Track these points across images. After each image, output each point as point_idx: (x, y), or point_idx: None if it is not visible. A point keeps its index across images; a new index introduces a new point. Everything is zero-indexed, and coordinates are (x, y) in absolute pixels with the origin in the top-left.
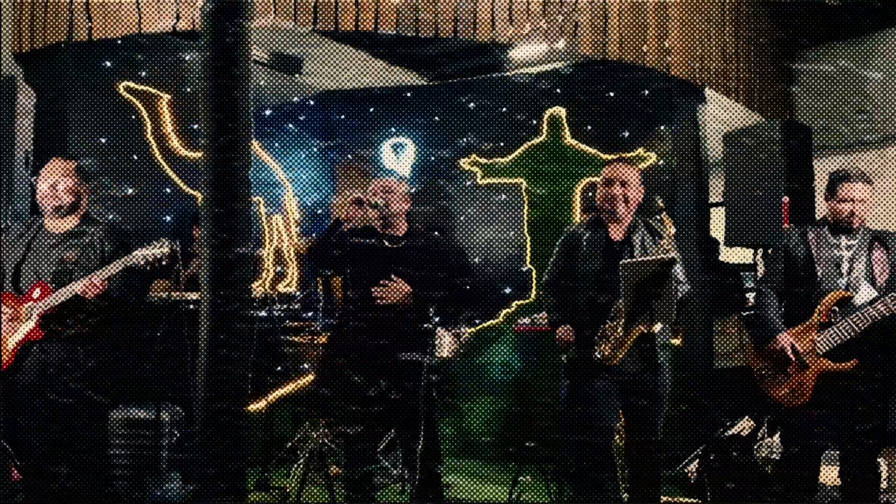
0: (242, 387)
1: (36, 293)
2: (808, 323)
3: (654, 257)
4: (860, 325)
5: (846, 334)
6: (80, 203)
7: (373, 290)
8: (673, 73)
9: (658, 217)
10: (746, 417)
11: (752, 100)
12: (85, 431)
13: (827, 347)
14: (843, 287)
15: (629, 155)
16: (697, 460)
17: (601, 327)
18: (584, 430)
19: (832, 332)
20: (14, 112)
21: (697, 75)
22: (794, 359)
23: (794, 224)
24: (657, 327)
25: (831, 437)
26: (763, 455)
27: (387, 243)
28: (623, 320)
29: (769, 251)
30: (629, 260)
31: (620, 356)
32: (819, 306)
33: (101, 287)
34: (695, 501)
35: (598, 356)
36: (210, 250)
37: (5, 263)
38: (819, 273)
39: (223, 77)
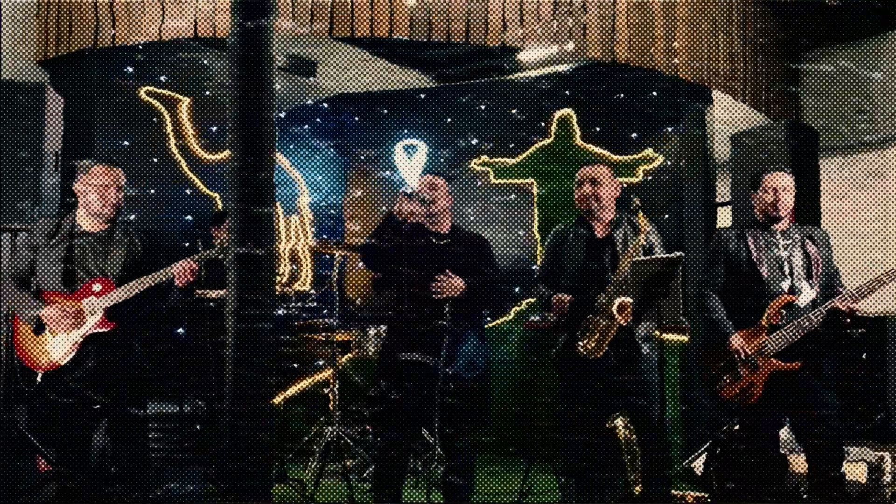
0: (267, 384)
1: (96, 287)
2: (757, 325)
3: (661, 256)
4: (807, 327)
5: (794, 336)
6: (119, 208)
7: (431, 285)
8: (680, 75)
9: (635, 215)
10: None
11: (759, 101)
12: (130, 427)
13: (776, 349)
14: (788, 286)
15: (638, 156)
16: (704, 455)
17: (584, 322)
18: (578, 426)
19: (781, 334)
20: (43, 116)
21: (705, 77)
22: (744, 360)
23: (730, 227)
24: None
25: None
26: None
27: (434, 240)
28: (606, 314)
29: (708, 254)
30: (639, 258)
31: (603, 349)
32: (768, 309)
33: (192, 275)
34: (702, 495)
35: (581, 349)
36: (236, 252)
37: (41, 262)
38: (764, 274)
39: (248, 80)
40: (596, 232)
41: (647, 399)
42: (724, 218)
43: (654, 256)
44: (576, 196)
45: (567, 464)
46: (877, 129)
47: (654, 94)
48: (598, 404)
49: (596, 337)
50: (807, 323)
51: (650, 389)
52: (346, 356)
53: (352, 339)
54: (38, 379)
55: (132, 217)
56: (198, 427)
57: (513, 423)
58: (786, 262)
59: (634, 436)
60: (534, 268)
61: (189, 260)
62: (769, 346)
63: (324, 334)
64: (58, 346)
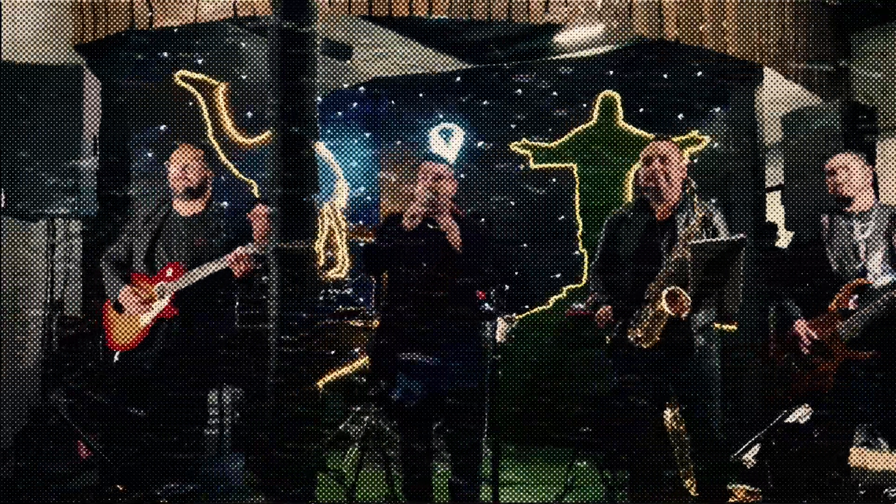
0: (305, 373)
1: (169, 272)
2: (827, 311)
3: (723, 238)
4: (885, 309)
5: (870, 318)
6: (207, 188)
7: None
8: (730, 52)
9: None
10: (805, 405)
11: (811, 80)
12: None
13: (851, 334)
14: (861, 272)
15: (684, 137)
16: (756, 447)
17: (636, 310)
18: (629, 416)
19: (855, 318)
20: (81, 99)
21: (755, 54)
22: (809, 347)
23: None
24: (686, 313)
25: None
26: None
27: (430, 226)
28: (655, 303)
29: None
30: (699, 241)
31: (655, 339)
32: (837, 294)
33: (248, 265)
34: (754, 490)
35: (632, 339)
36: (278, 239)
37: (135, 244)
38: (834, 258)
39: (290, 62)
40: (656, 215)
41: (700, 392)
42: (773, 203)
43: (714, 240)
44: (641, 174)
45: (612, 456)
46: None
47: (701, 73)
48: (649, 396)
49: (644, 326)
50: (884, 306)
51: (705, 382)
52: None
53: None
54: (115, 358)
55: (224, 204)
56: (237, 415)
57: (554, 414)
58: (862, 245)
59: (683, 426)
60: (575, 253)
61: (241, 249)
62: (842, 331)
63: (361, 321)
64: (131, 329)
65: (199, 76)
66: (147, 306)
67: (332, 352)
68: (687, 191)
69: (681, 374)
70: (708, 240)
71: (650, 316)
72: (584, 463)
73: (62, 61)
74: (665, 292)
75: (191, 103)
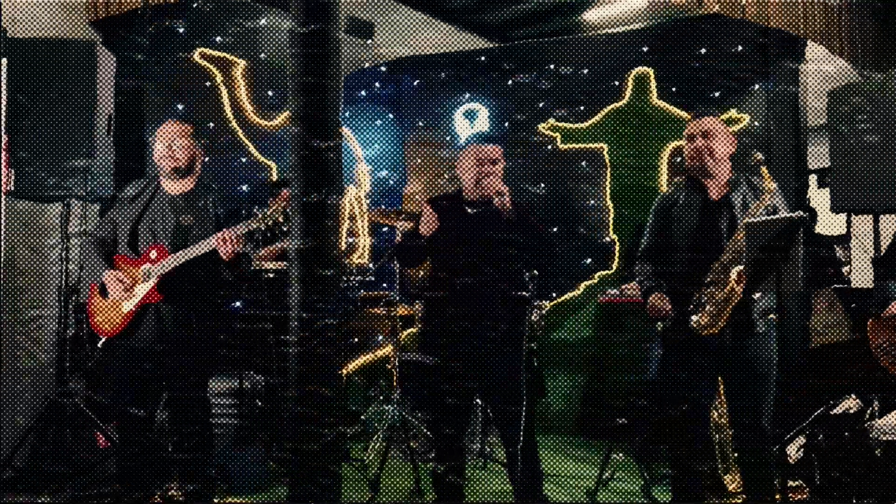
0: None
1: (153, 254)
2: None
3: (781, 216)
4: None
5: None
6: (195, 166)
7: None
8: (772, 24)
9: (757, 172)
10: (852, 396)
11: (856, 55)
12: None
13: None
14: None
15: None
16: (800, 440)
17: (697, 294)
18: (677, 403)
19: None
20: (95, 76)
21: (799, 27)
22: None
23: None
24: (757, 294)
25: None
26: (875, 437)
27: (468, 209)
28: (723, 285)
29: None
30: (753, 219)
31: (721, 325)
32: None
33: (235, 246)
34: (798, 484)
35: (695, 325)
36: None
37: (119, 224)
38: None
39: (313, 42)
40: (710, 194)
41: (757, 382)
42: (813, 186)
43: (771, 217)
44: (686, 152)
45: (650, 448)
46: None
47: (740, 48)
48: (703, 387)
49: (712, 311)
50: None
51: (761, 370)
52: (407, 331)
53: (415, 314)
54: (99, 344)
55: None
56: (258, 403)
57: (592, 401)
58: None
59: (725, 419)
60: (606, 239)
61: (227, 230)
62: None
63: (384, 308)
64: (114, 314)
65: (219, 53)
66: (130, 291)
67: (355, 339)
68: (752, 163)
69: (740, 357)
70: (764, 217)
71: (718, 299)
72: (621, 455)
73: (76, 37)
74: (734, 271)
75: (208, 83)
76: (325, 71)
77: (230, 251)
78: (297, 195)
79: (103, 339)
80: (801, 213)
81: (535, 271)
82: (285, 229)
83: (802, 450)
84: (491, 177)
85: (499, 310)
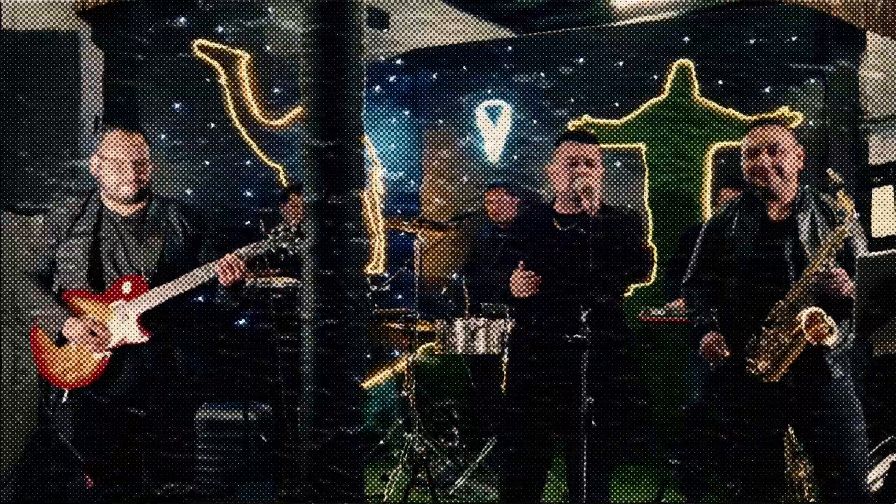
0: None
1: (126, 287)
2: None
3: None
4: None
5: None
6: (148, 180)
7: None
8: (833, 13)
9: (832, 194)
10: None
11: None
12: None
13: None
14: None
15: (772, 115)
16: (884, 466)
17: (754, 335)
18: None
19: None
20: (78, 72)
21: (860, 15)
22: None
23: None
24: (832, 339)
25: None
26: None
27: (558, 225)
28: (789, 328)
29: None
30: (868, 254)
31: (782, 372)
32: None
33: (240, 272)
34: None
35: (752, 371)
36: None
37: (64, 255)
38: None
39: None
40: (770, 214)
41: (837, 437)
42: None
43: (890, 252)
44: (746, 167)
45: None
46: None
47: (794, 38)
48: (767, 436)
49: (772, 356)
50: None
51: (842, 424)
52: (422, 346)
53: (436, 332)
54: (65, 398)
55: (188, 192)
56: (263, 438)
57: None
58: None
59: (804, 472)
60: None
61: (234, 255)
62: None
63: (403, 324)
64: (85, 361)
65: (220, 46)
66: (105, 338)
67: (368, 355)
68: (830, 185)
69: (814, 408)
70: (883, 252)
71: (782, 343)
72: (674, 494)
73: (59, 28)
74: (805, 314)
75: (208, 79)
76: (344, 72)
77: (236, 277)
78: (315, 198)
79: (67, 392)
80: None
81: (590, 308)
82: (293, 252)
83: (883, 480)
84: (585, 180)
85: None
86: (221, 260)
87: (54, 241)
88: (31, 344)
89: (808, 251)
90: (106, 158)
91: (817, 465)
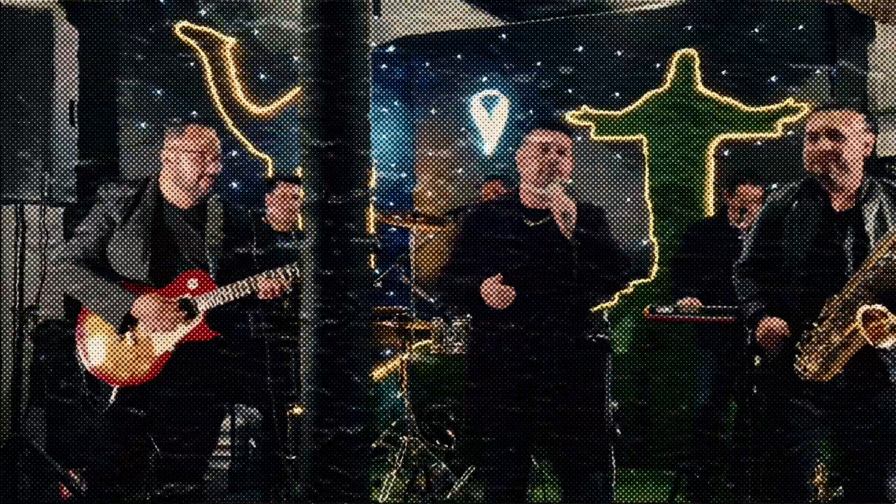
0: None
1: (192, 284)
2: None
3: None
4: None
5: None
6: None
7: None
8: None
9: None
10: None
11: None
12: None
13: None
14: None
15: (778, 106)
16: None
17: (806, 332)
18: (772, 458)
19: None
20: (51, 54)
21: (868, 5)
22: None
23: None
24: (892, 339)
25: None
26: None
27: (527, 221)
28: (843, 325)
29: None
30: None
31: (834, 372)
32: None
33: (284, 288)
34: None
35: (800, 370)
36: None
37: (119, 244)
38: None
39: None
40: (833, 203)
41: (878, 436)
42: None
43: None
44: (806, 153)
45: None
46: None
47: (802, 27)
48: (806, 436)
49: (823, 355)
50: None
51: (891, 424)
52: (416, 344)
53: (432, 330)
54: (113, 398)
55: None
56: (252, 444)
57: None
58: None
59: (823, 478)
60: (644, 242)
61: (277, 277)
62: None
63: (397, 322)
64: (143, 356)
65: (204, 29)
66: (175, 322)
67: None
68: (891, 172)
69: (866, 412)
70: None
71: (835, 342)
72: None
73: (29, 4)
74: (861, 311)
75: (192, 63)
76: (346, 71)
77: (277, 290)
78: (316, 197)
79: (116, 388)
80: None
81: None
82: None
83: None
84: (556, 168)
85: (561, 356)
86: (283, 268)
87: (105, 230)
88: (77, 334)
89: (872, 244)
90: (185, 150)
91: (848, 473)
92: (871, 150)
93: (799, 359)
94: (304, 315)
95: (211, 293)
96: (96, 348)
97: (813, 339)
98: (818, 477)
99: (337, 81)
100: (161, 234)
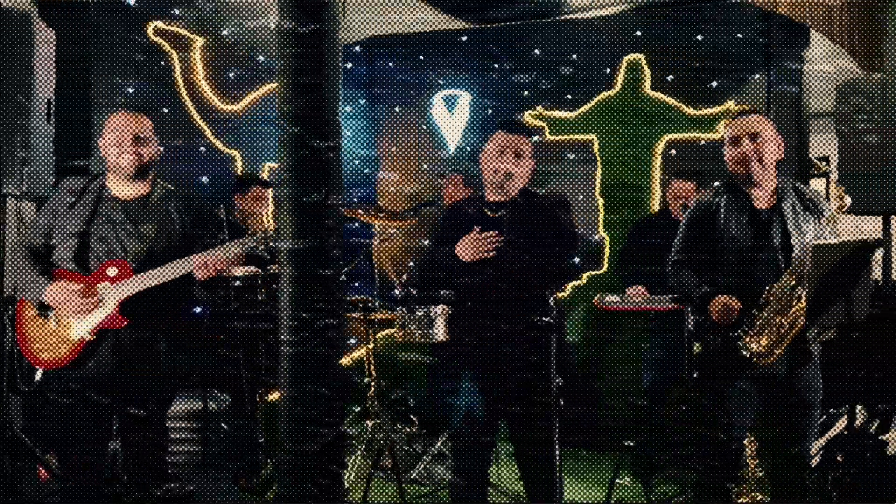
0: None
1: (111, 272)
2: None
3: (853, 238)
4: None
5: None
6: (153, 166)
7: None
8: (780, 10)
9: (801, 178)
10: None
11: (854, 48)
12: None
13: None
14: None
15: (720, 109)
16: (816, 459)
17: (748, 317)
18: (712, 431)
19: None
20: (31, 54)
21: (805, 14)
22: None
23: None
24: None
25: None
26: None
27: (487, 212)
28: (786, 311)
29: None
30: (822, 242)
31: (778, 354)
32: None
33: (216, 269)
34: None
35: (746, 353)
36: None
37: (58, 233)
38: None
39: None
40: (755, 202)
41: (807, 411)
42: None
43: (841, 241)
44: (728, 156)
45: (656, 468)
46: None
47: (740, 35)
48: (744, 410)
49: (768, 337)
50: None
51: (812, 399)
52: (381, 332)
53: (396, 320)
54: (37, 377)
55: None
56: (224, 427)
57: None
58: None
59: (753, 448)
60: (595, 237)
61: (208, 255)
62: None
63: (361, 313)
64: (62, 341)
65: (175, 29)
66: (87, 307)
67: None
68: (818, 172)
69: (792, 387)
70: (834, 240)
71: (782, 324)
72: (627, 479)
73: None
74: (804, 294)
75: (163, 62)
76: (322, 70)
77: (210, 275)
78: (293, 196)
79: (40, 371)
80: (879, 237)
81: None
82: (269, 256)
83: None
84: (507, 167)
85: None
86: (197, 258)
87: (51, 218)
88: (17, 318)
89: (793, 238)
90: (107, 143)
91: (770, 441)
92: (782, 151)
93: (746, 341)
94: (283, 313)
95: (125, 282)
96: (25, 330)
97: (758, 324)
98: (748, 449)
99: (323, 81)
100: (98, 225)
